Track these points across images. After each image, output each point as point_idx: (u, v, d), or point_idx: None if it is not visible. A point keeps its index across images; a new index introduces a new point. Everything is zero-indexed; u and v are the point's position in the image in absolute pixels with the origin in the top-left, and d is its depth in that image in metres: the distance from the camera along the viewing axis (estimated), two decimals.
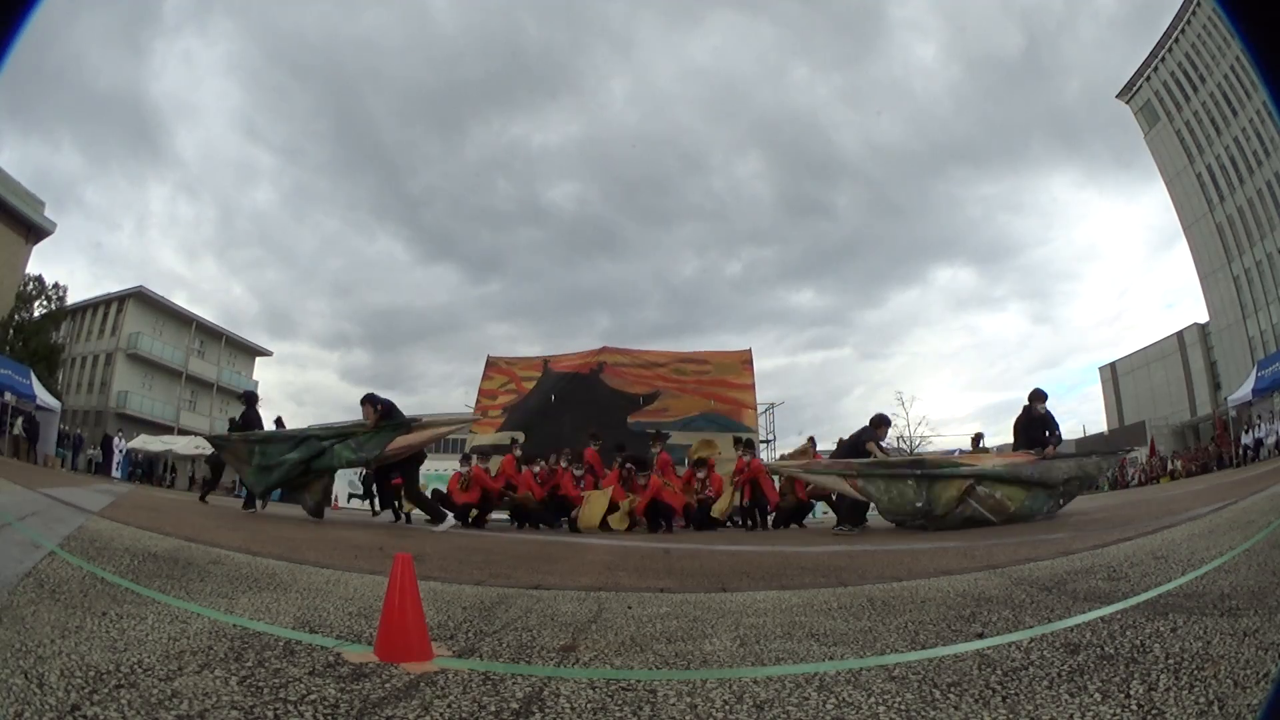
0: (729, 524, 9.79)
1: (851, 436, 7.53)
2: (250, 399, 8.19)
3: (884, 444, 7.34)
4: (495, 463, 8.72)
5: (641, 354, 11.50)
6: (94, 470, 19.68)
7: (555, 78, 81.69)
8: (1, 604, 1.98)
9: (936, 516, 6.14)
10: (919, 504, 6.25)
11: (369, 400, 6.67)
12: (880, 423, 7.43)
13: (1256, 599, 1.99)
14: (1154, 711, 1.21)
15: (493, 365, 11.85)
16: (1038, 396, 7.19)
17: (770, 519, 8.83)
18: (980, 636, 1.82)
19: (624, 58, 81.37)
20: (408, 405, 9.48)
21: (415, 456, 6.82)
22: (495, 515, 10.14)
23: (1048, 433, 6.94)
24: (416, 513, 9.63)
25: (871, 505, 6.69)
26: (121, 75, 65.44)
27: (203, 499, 7.96)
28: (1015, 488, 6.18)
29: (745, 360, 10.94)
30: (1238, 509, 4.45)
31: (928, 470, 6.57)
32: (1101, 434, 33.16)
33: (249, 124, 70.73)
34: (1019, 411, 7.30)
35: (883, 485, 6.51)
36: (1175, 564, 2.71)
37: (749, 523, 8.58)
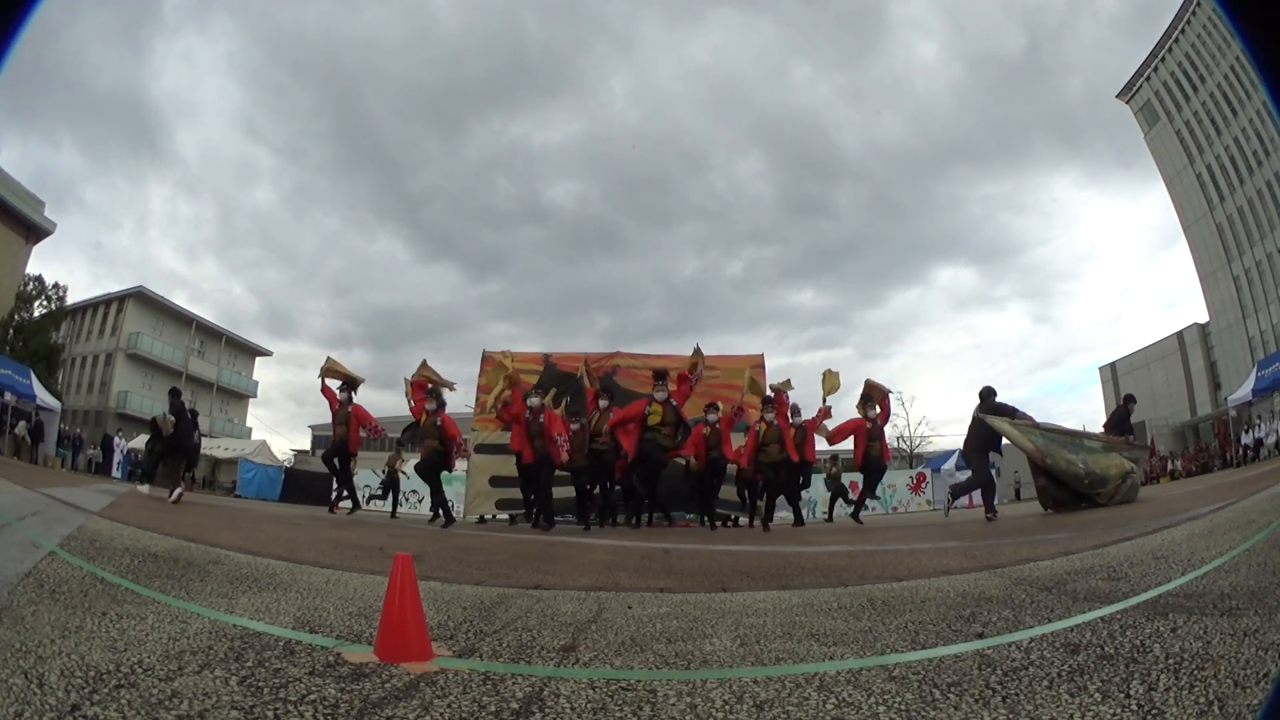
0: (727, 522, 9.69)
1: (989, 412, 7.63)
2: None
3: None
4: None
5: (652, 358, 11.66)
6: (94, 470, 19.69)
7: (556, 77, 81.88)
8: (1, 604, 1.98)
9: (1094, 492, 6.71)
10: (1085, 477, 6.78)
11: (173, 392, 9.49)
12: (993, 395, 7.65)
13: (1256, 599, 1.99)
14: (1154, 711, 1.21)
15: (489, 360, 11.83)
16: (1132, 399, 8.96)
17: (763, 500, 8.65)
18: (980, 636, 1.82)
19: (625, 57, 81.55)
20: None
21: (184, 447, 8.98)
22: (493, 516, 10.12)
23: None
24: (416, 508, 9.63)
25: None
26: (121, 74, 65.58)
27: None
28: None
29: (756, 365, 11.07)
30: (1238, 509, 4.45)
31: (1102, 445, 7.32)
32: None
33: (249, 123, 70.86)
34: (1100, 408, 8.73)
35: (1067, 454, 6.91)
36: (1175, 564, 2.71)
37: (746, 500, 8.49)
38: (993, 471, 7.48)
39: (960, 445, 10.34)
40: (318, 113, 75.86)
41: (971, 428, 7.62)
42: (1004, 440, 7.30)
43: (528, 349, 12.26)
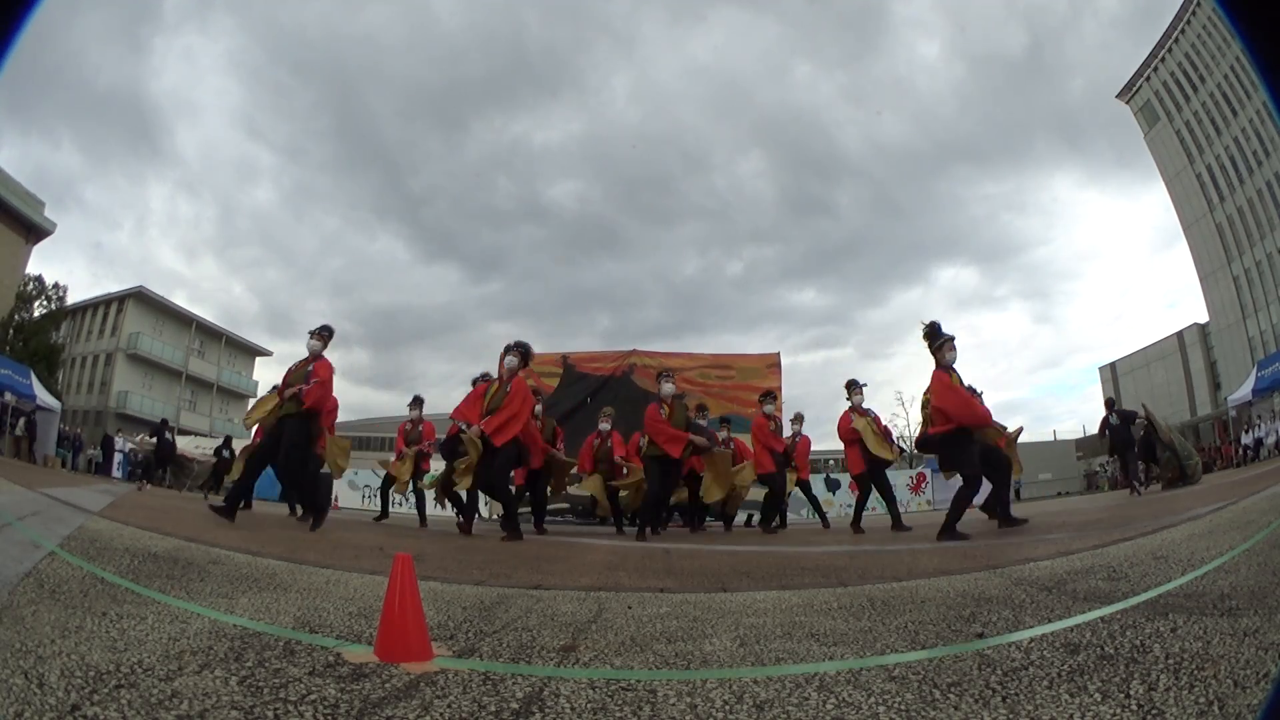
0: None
1: (1121, 419, 10.29)
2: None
3: None
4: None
5: (669, 357, 11.79)
6: (94, 470, 19.67)
7: (557, 75, 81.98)
8: (1, 604, 1.98)
9: (1188, 464, 9.62)
10: (1184, 451, 9.79)
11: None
12: (1115, 402, 10.52)
13: (1256, 599, 1.99)
14: (1154, 711, 1.21)
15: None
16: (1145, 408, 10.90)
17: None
18: (980, 636, 1.82)
19: (626, 56, 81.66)
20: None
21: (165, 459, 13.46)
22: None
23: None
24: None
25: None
26: (122, 73, 65.68)
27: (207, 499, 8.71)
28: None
29: (771, 364, 11.20)
30: (1238, 509, 4.45)
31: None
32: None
33: (249, 122, 70.95)
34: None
35: (1182, 444, 10.00)
36: (1175, 564, 2.71)
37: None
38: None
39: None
40: (318, 112, 76.03)
41: (1115, 430, 10.24)
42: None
43: (539, 350, 12.45)
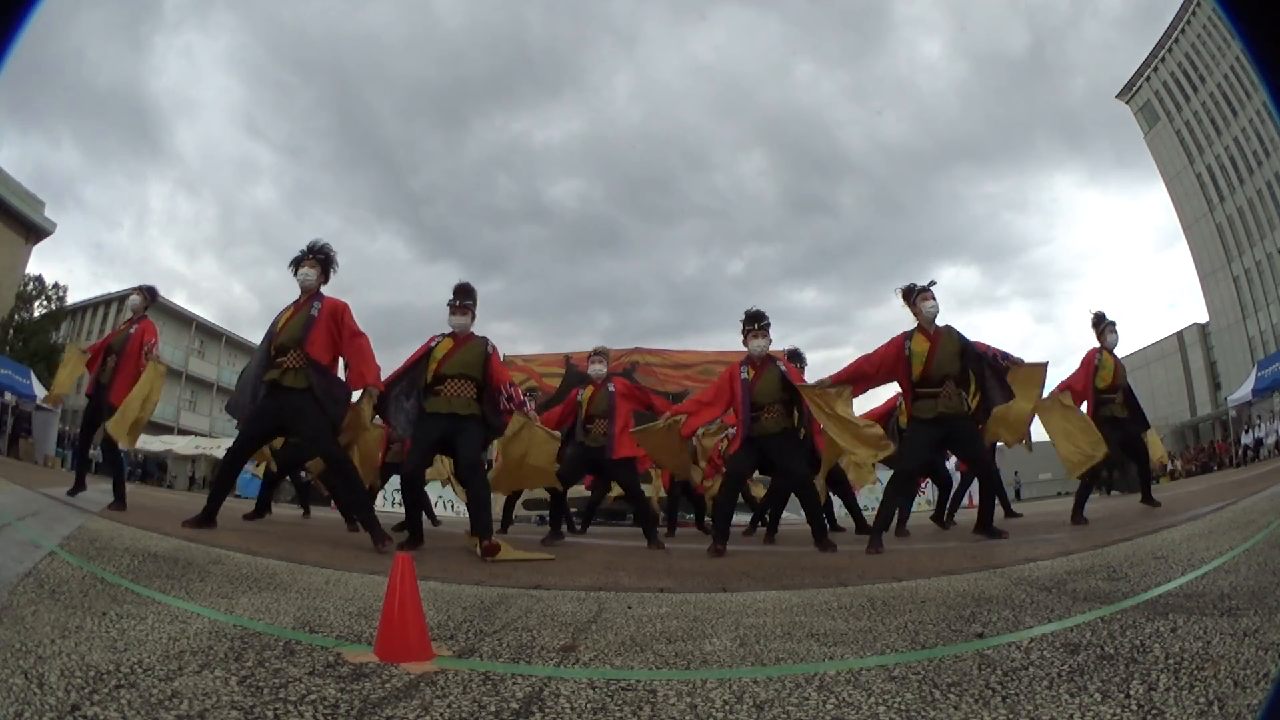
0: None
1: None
2: None
3: None
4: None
5: (672, 354, 11.73)
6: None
7: (558, 74, 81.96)
8: (1, 604, 1.98)
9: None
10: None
11: None
12: None
13: (1256, 599, 1.99)
14: (1154, 711, 1.21)
15: (509, 364, 11.91)
16: None
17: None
18: (980, 636, 1.82)
19: (628, 55, 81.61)
20: None
21: None
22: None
23: None
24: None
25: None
26: (122, 71, 65.74)
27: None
28: None
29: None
30: (1238, 509, 4.45)
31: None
32: None
33: (250, 120, 71.01)
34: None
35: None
36: (1175, 564, 2.71)
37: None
38: None
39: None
40: (319, 110, 76.12)
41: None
42: None
43: (529, 348, 12.47)
